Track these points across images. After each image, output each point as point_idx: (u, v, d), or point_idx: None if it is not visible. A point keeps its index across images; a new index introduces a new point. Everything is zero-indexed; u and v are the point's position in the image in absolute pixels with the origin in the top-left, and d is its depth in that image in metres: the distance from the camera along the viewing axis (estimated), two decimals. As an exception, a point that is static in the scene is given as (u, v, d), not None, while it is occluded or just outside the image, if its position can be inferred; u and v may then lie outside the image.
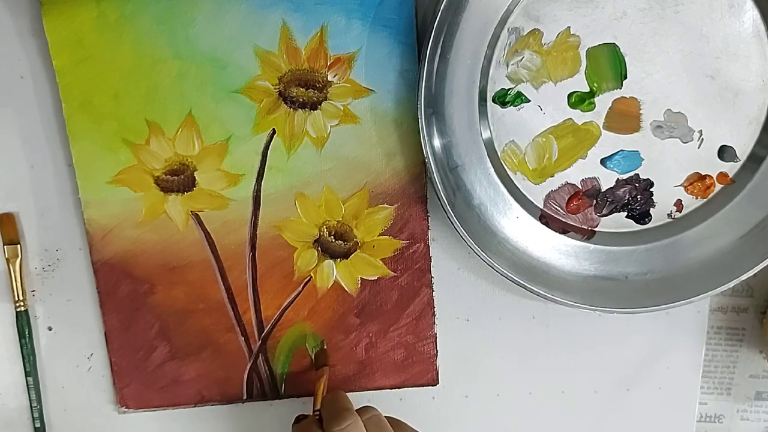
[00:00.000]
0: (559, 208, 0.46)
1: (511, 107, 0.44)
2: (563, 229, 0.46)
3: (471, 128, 0.44)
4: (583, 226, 0.46)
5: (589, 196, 0.46)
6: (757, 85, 0.44)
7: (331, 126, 0.45)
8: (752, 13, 0.43)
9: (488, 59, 0.43)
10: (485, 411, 0.51)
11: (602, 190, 0.45)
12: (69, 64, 0.43)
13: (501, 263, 0.45)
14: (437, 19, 0.40)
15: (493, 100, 0.44)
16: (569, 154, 0.45)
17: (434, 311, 0.48)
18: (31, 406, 0.48)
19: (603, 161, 0.45)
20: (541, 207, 0.46)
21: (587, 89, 0.44)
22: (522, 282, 0.45)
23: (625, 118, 0.44)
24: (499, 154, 0.45)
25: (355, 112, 0.45)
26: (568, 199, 0.46)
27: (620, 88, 0.44)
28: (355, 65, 0.44)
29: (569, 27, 0.43)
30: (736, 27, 0.43)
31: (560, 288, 0.45)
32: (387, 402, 0.50)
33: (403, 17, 0.43)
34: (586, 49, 0.43)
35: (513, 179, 0.45)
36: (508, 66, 0.43)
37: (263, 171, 0.45)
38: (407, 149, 0.45)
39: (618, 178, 0.45)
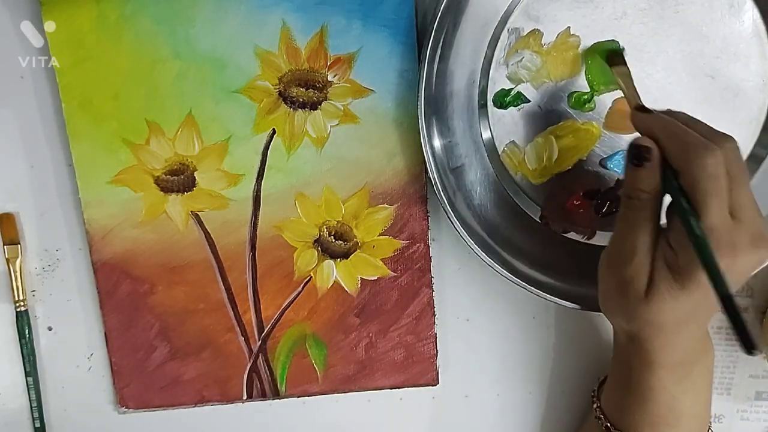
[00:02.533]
0: (559, 208, 0.46)
1: (512, 107, 0.44)
2: (563, 229, 0.46)
3: (471, 128, 0.44)
4: (583, 226, 0.46)
5: (589, 196, 0.46)
6: (757, 85, 0.44)
7: (331, 126, 0.45)
8: (752, 13, 0.43)
9: (488, 59, 0.43)
10: (485, 411, 0.51)
11: (602, 190, 0.45)
12: (69, 64, 0.43)
13: (501, 263, 0.45)
14: (437, 19, 0.40)
15: (493, 101, 0.44)
16: (569, 154, 0.45)
17: (434, 311, 0.48)
18: (31, 406, 0.48)
19: (603, 161, 0.45)
20: (541, 207, 0.46)
21: (587, 89, 0.44)
22: (522, 282, 0.45)
23: (625, 118, 0.44)
24: (499, 154, 0.45)
25: (355, 112, 0.45)
26: (568, 199, 0.46)
27: (620, 88, 0.44)
28: (355, 65, 0.44)
29: (569, 27, 0.43)
30: (736, 27, 0.43)
31: (560, 288, 0.45)
32: (387, 402, 0.50)
33: (403, 17, 0.43)
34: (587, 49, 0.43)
35: (513, 179, 0.45)
36: (508, 66, 0.43)
37: (263, 171, 0.45)
38: (407, 149, 0.45)
39: (618, 178, 0.45)
